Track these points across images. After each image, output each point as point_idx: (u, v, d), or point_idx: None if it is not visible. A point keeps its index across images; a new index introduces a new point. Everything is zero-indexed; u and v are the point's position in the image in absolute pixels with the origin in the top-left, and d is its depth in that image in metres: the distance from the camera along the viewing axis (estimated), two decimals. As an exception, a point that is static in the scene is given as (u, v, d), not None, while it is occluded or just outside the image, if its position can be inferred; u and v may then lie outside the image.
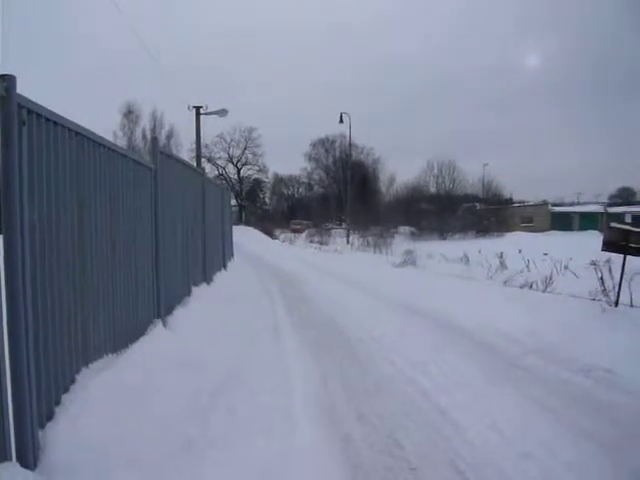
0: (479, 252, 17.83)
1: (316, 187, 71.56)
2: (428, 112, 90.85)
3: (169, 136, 52.55)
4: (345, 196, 45.53)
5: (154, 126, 51.64)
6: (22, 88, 2.93)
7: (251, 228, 47.63)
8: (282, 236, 46.71)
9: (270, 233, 47.41)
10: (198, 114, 27.77)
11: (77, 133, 3.76)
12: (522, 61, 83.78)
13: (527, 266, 14.01)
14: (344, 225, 46.17)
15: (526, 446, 3.78)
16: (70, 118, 3.63)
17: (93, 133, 4.08)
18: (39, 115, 3.14)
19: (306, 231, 47.51)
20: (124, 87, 70.08)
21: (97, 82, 57.06)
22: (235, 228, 23.28)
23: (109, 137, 4.73)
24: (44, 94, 3.61)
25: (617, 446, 3.80)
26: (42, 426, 3.11)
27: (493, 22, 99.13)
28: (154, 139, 6.91)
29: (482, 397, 4.81)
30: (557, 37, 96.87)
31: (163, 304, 6.24)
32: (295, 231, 52.44)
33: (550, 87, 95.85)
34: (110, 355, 4.41)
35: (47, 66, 49.62)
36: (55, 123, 3.37)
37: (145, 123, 52.24)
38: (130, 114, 51.16)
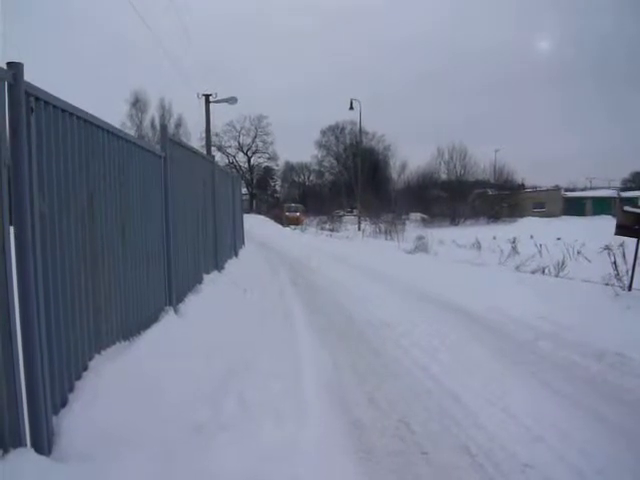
0: (492, 238, 17.75)
1: (327, 174, 71.39)
2: (438, 97, 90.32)
3: (178, 125, 52.77)
4: (356, 183, 45.31)
5: (162, 114, 51.82)
6: (30, 77, 2.93)
7: (262, 216, 47.47)
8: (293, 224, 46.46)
9: (281, 221, 47.29)
10: (207, 102, 27.76)
11: (86, 121, 3.75)
12: (532, 44, 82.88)
13: (539, 251, 13.93)
14: (355, 212, 46.01)
15: (538, 430, 3.77)
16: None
17: (102, 121, 4.07)
18: (47, 103, 3.13)
19: (317, 218, 45.68)
20: (132, 77, 70.14)
21: (105, 72, 57.17)
22: (246, 216, 23.31)
23: (118, 127, 4.73)
24: (52, 85, 3.59)
25: (629, 429, 3.79)
26: (56, 412, 3.14)
27: (501, 3, 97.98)
28: (163, 127, 6.90)
29: (494, 381, 4.80)
30: (566, 18, 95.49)
31: (174, 291, 6.27)
32: (292, 222, 44.28)
33: (561, 70, 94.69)
34: (122, 342, 4.44)
35: (54, 58, 49.69)
36: (63, 110, 3.36)
37: (154, 112, 52.50)
38: (138, 103, 51.31)
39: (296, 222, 44.63)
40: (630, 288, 8.05)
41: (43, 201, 3.08)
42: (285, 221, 45.51)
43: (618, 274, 8.48)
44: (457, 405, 4.32)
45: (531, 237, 16.42)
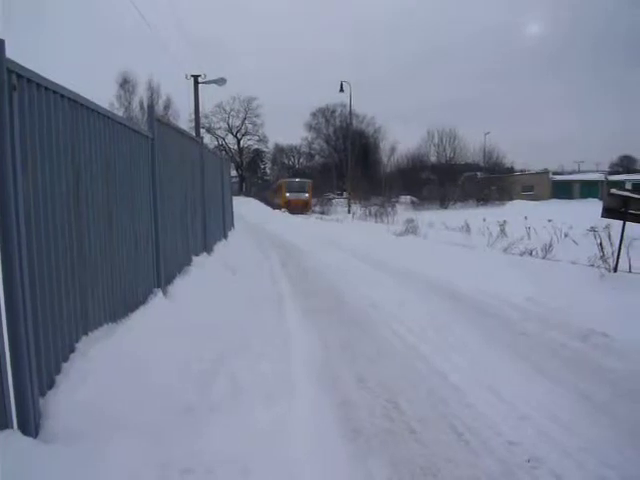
0: (481, 220, 17.81)
1: (317, 157, 71.33)
2: (428, 80, 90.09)
3: (166, 106, 52.49)
4: (346, 166, 45.14)
5: (151, 96, 51.39)
6: (14, 56, 2.87)
7: (252, 199, 47.28)
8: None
9: (271, 203, 47.07)
10: (196, 83, 27.39)
11: (70, 100, 3.69)
12: (523, 26, 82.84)
13: (527, 234, 14.00)
14: (345, 195, 45.93)
15: (525, 409, 3.83)
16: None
17: (88, 100, 4.01)
18: (30, 80, 3.07)
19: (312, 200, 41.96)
20: (120, 57, 69.29)
21: (93, 52, 56.42)
22: (236, 199, 23.22)
23: (106, 108, 4.66)
24: (39, 65, 3.51)
25: (613, 407, 3.85)
26: (43, 394, 3.13)
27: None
28: (150, 107, 6.80)
29: (481, 362, 4.85)
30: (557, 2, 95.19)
31: (163, 273, 6.24)
32: (298, 206, 38.02)
33: (551, 54, 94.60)
34: (110, 324, 4.42)
35: (41, 38, 48.83)
36: (47, 89, 3.30)
37: (142, 94, 52.04)
38: (126, 84, 50.83)
39: (304, 208, 38.16)
40: (616, 269, 8.12)
41: (27, 182, 3.04)
42: (285, 206, 38.20)
43: (604, 256, 8.53)
44: (445, 384, 4.36)
45: (525, 218, 16.55)
